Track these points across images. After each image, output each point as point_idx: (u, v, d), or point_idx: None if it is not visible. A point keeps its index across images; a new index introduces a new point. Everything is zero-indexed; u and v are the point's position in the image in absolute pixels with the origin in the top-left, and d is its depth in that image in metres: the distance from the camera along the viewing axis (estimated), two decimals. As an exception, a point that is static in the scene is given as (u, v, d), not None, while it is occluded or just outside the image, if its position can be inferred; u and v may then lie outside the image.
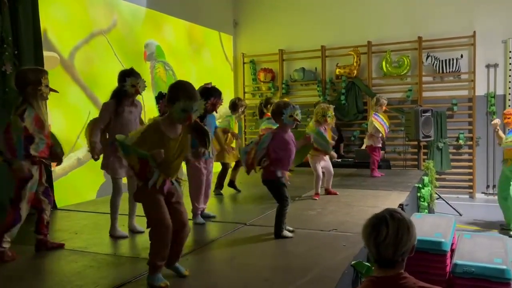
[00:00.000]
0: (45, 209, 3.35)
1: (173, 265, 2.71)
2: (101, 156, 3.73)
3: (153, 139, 2.50)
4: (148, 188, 2.53)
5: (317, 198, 5.09)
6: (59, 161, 3.50)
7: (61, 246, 3.43)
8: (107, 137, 3.71)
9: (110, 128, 3.67)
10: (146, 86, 3.80)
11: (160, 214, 2.53)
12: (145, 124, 3.52)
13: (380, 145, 6.59)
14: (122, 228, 3.84)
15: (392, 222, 1.82)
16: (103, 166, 3.76)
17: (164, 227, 2.52)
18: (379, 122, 6.39)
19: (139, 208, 3.86)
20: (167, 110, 2.58)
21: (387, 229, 1.80)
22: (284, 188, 3.54)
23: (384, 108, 6.57)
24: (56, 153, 3.36)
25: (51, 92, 3.28)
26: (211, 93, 4.07)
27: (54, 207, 5.05)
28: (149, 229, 2.58)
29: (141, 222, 4.03)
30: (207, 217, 4.20)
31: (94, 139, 3.61)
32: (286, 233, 3.52)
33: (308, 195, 5.26)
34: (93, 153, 3.62)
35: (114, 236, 3.72)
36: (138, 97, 3.87)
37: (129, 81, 3.62)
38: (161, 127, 2.53)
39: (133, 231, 3.84)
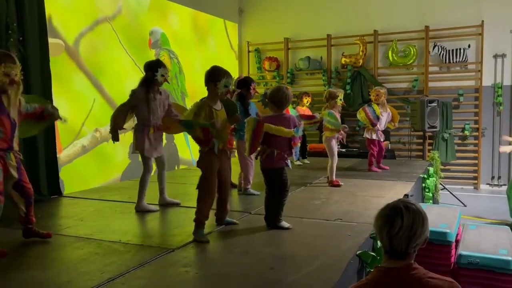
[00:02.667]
0: (18, 203, 3.16)
1: (224, 220, 3.49)
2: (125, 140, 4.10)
3: (205, 112, 3.20)
4: (210, 155, 3.22)
5: (342, 184, 5.20)
6: (55, 117, 3.35)
7: (47, 236, 3.27)
8: (138, 122, 4.07)
9: (139, 114, 4.03)
10: (169, 76, 4.23)
11: (212, 181, 3.25)
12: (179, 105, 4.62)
13: (377, 138, 6.15)
14: (119, 214, 4.04)
15: (407, 214, 1.76)
16: (136, 149, 4.09)
17: (212, 190, 3.26)
18: (365, 114, 6.05)
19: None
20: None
21: (401, 221, 1.74)
22: (287, 177, 3.46)
23: (378, 97, 6.12)
24: (49, 112, 3.26)
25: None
26: (249, 81, 4.70)
27: (60, 194, 5.08)
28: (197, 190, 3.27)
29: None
30: (251, 194, 4.71)
31: (118, 121, 3.95)
32: (284, 223, 3.46)
33: (319, 182, 5.34)
34: (115, 133, 3.93)
35: (142, 211, 4.05)
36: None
37: (160, 72, 3.97)
38: (208, 102, 3.26)
39: (168, 204, 4.29)
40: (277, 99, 3.43)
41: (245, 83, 4.66)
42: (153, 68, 3.99)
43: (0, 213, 2.94)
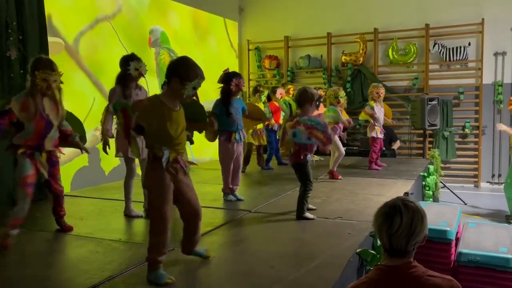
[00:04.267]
0: (48, 197, 3.46)
1: (192, 251, 2.76)
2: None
3: (155, 109, 2.46)
4: (156, 169, 2.46)
5: (340, 178, 5.39)
6: (80, 148, 3.50)
7: (68, 229, 3.49)
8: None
9: None
10: (147, 70, 3.90)
11: (163, 207, 2.46)
12: None
13: (381, 136, 6.17)
14: (119, 213, 3.97)
15: (406, 212, 1.76)
16: (119, 150, 3.85)
17: (164, 220, 2.46)
18: (364, 113, 6.17)
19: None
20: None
21: (401, 220, 1.74)
22: (310, 171, 3.74)
23: (374, 95, 6.11)
24: (74, 142, 3.42)
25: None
26: (230, 76, 4.29)
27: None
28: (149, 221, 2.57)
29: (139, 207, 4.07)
30: (237, 200, 4.46)
31: (106, 127, 3.68)
32: (307, 214, 3.68)
33: (320, 180, 5.32)
34: (105, 141, 3.68)
35: (129, 216, 3.89)
36: (142, 83, 3.97)
37: (132, 65, 3.72)
38: (161, 98, 2.53)
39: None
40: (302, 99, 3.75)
41: (225, 79, 4.30)
42: (125, 63, 3.77)
43: (27, 206, 3.11)
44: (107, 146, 3.70)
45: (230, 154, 4.39)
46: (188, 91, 2.52)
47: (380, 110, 6.16)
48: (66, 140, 3.41)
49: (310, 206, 3.88)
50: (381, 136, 6.21)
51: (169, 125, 2.47)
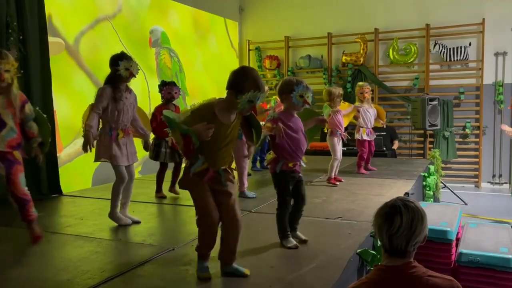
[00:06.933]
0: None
1: (230, 265, 2.54)
2: (94, 148, 3.50)
3: (204, 120, 2.30)
4: (188, 174, 2.38)
5: (337, 184, 5.08)
6: (37, 154, 3.14)
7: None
8: (104, 125, 3.53)
9: (107, 115, 3.49)
10: (139, 69, 3.64)
11: (205, 204, 2.39)
12: (141, 109, 3.94)
13: (368, 138, 5.90)
14: (129, 214, 3.84)
15: (406, 212, 1.75)
16: (100, 156, 3.51)
17: (209, 217, 2.40)
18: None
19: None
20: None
21: (401, 220, 1.74)
22: (287, 186, 3.01)
23: (363, 95, 5.85)
24: (32, 147, 3.08)
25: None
26: None
27: (60, 193, 5.08)
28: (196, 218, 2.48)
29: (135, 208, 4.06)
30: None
31: (90, 123, 3.34)
32: (289, 241, 3.00)
33: (320, 180, 5.25)
34: (87, 139, 3.32)
35: (113, 221, 3.64)
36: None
37: (122, 65, 3.43)
38: (215, 109, 2.36)
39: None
40: (281, 89, 3.05)
41: None
42: (114, 63, 3.45)
43: None
44: (89, 145, 3.32)
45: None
46: (242, 104, 2.32)
47: (366, 111, 5.86)
48: (28, 139, 3.08)
49: (299, 234, 3.10)
50: (367, 138, 5.91)
51: (213, 137, 2.31)
